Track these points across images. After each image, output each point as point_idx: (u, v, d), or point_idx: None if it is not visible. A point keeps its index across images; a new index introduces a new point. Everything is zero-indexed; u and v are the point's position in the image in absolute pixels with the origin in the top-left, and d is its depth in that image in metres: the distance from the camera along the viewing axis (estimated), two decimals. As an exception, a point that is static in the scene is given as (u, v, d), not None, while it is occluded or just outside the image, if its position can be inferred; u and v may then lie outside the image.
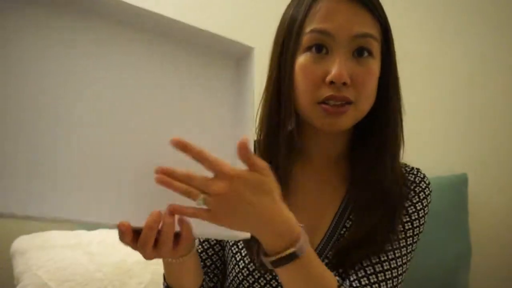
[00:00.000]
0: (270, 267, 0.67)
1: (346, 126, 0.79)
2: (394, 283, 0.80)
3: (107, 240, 1.42)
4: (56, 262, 1.34)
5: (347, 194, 0.84)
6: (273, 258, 0.65)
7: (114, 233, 1.72)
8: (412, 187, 0.85)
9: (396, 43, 1.88)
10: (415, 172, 0.87)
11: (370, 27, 0.78)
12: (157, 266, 1.32)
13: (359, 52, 0.78)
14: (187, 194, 0.59)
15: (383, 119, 0.82)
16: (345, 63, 0.75)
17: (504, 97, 1.82)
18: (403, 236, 0.82)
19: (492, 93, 1.81)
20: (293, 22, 0.79)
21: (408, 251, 0.82)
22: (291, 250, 0.64)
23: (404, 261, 0.81)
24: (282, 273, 0.67)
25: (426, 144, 1.81)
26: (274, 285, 0.81)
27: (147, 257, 0.63)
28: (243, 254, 0.82)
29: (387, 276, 0.79)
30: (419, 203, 0.84)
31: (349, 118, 0.78)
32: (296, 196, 0.82)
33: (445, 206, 1.70)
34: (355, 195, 0.83)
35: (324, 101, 0.76)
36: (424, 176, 0.87)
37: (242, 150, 0.60)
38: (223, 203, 0.59)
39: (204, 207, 0.60)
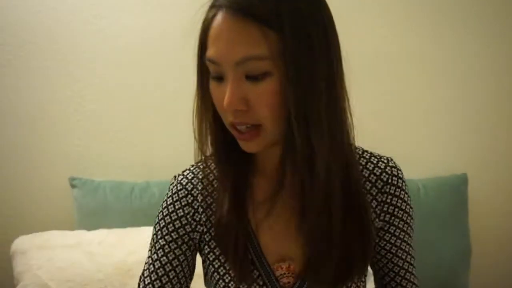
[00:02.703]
0: None
1: (260, 148, 0.74)
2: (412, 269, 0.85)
3: (107, 240, 1.42)
4: (56, 262, 1.34)
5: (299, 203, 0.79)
6: None
7: (114, 233, 1.74)
8: (379, 196, 0.82)
9: (397, 43, 1.89)
10: (382, 166, 0.82)
11: (253, 46, 0.68)
12: None
13: (251, 77, 0.70)
14: None
15: (300, 134, 0.72)
16: (237, 89, 0.69)
17: (504, 97, 1.82)
18: (402, 228, 0.83)
19: (492, 93, 1.81)
20: (199, 47, 0.76)
21: (412, 231, 0.85)
22: None
23: (410, 243, 0.85)
24: None
25: (426, 144, 1.81)
26: None
27: None
28: (232, 275, 0.81)
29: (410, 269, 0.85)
30: (398, 189, 0.82)
31: (260, 141, 0.73)
32: (263, 206, 0.81)
33: (445, 206, 1.70)
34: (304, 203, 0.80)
35: (233, 125, 0.73)
36: (388, 161, 0.83)
37: None
38: None
39: None
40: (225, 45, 0.69)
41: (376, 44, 1.73)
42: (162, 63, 1.75)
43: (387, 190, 0.82)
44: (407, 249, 0.85)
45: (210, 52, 0.71)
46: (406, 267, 0.85)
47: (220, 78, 0.71)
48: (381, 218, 0.83)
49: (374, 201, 0.82)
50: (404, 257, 0.84)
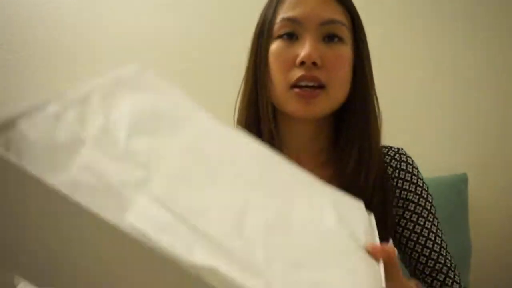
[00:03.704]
0: None
1: (319, 111, 0.79)
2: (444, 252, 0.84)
3: (107, 240, 1.42)
4: (56, 262, 1.33)
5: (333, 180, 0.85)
6: None
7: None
8: (393, 164, 0.86)
9: (397, 42, 1.89)
10: (392, 154, 0.87)
11: (337, 14, 0.80)
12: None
13: (329, 38, 0.79)
14: None
15: (360, 108, 0.82)
16: (315, 46, 0.77)
17: (504, 97, 1.82)
18: (421, 207, 0.84)
19: (492, 93, 1.81)
20: (267, 11, 0.83)
21: (436, 224, 0.85)
22: None
23: (438, 227, 0.85)
24: None
25: (426, 144, 1.81)
26: None
27: None
28: None
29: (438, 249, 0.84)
30: (409, 174, 0.85)
31: (322, 103, 0.78)
32: None
33: (445, 206, 1.70)
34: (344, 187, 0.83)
35: (296, 84, 0.77)
36: (399, 149, 0.88)
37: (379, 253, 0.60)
38: None
39: None
40: (312, 7, 0.78)
41: (376, 44, 1.73)
42: (162, 63, 1.75)
43: (397, 175, 0.85)
44: (430, 236, 0.83)
45: (293, 12, 0.79)
46: (435, 257, 0.83)
47: (291, 36, 0.79)
48: (395, 203, 0.84)
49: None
50: (429, 245, 0.83)
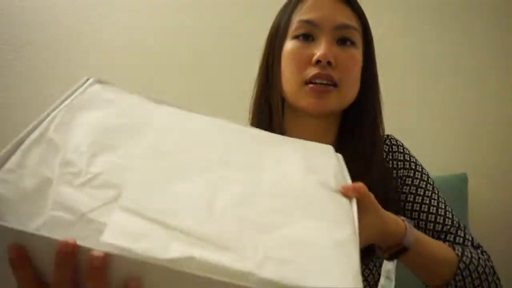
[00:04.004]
0: (387, 260, 0.74)
1: (330, 107, 0.84)
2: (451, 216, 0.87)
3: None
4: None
5: None
6: (387, 255, 0.72)
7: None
8: (386, 149, 0.93)
9: (397, 42, 1.89)
10: (388, 142, 0.95)
11: (351, 20, 0.86)
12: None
13: (342, 41, 0.85)
14: None
15: (364, 110, 0.88)
16: (330, 48, 0.83)
17: (504, 97, 1.82)
18: (418, 181, 0.89)
19: (493, 93, 1.81)
20: (283, 14, 0.88)
21: (436, 191, 0.89)
22: (401, 246, 0.71)
23: (439, 195, 0.89)
24: (402, 260, 0.74)
25: (426, 144, 1.81)
26: None
27: None
28: None
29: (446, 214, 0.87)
30: (401, 154, 0.93)
31: (334, 100, 0.83)
32: None
33: (445, 206, 1.70)
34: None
35: (311, 81, 0.82)
36: (388, 135, 0.96)
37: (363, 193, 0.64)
38: None
39: None
40: (328, 12, 0.84)
41: (376, 43, 1.73)
42: (161, 64, 1.75)
43: (391, 157, 0.92)
44: (432, 202, 0.87)
45: (311, 15, 0.85)
46: (441, 220, 0.85)
47: (308, 37, 0.84)
48: (394, 185, 0.89)
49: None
50: (433, 210, 0.86)
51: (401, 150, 0.94)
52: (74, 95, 0.68)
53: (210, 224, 0.53)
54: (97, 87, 0.71)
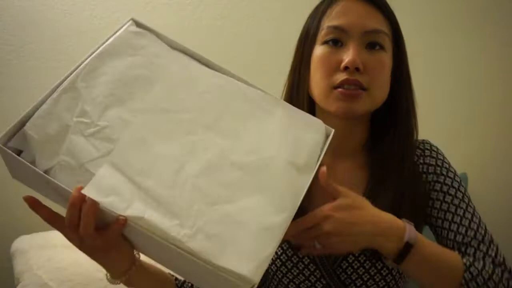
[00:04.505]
0: (395, 266, 0.73)
1: (360, 110, 0.84)
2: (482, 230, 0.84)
3: (107, 240, 1.42)
4: (56, 262, 1.34)
5: (370, 178, 0.89)
6: (393, 256, 0.72)
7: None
8: (418, 153, 0.92)
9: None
10: (422, 146, 0.95)
11: (380, 24, 0.86)
12: (157, 265, 1.32)
13: (371, 45, 0.85)
14: (308, 245, 0.74)
15: (397, 111, 0.90)
16: (359, 53, 0.83)
17: (504, 97, 1.82)
18: (454, 194, 0.87)
19: (492, 93, 1.81)
20: (313, 19, 0.89)
21: (467, 201, 0.88)
22: (404, 241, 0.71)
23: (469, 205, 0.87)
24: (409, 267, 0.72)
25: (426, 144, 1.81)
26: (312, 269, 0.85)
27: (72, 241, 0.68)
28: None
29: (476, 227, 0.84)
30: (433, 159, 0.92)
31: (363, 103, 0.84)
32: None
33: (445, 206, 1.70)
34: (376, 179, 0.88)
35: (339, 86, 0.83)
36: (423, 140, 0.97)
37: (323, 180, 0.69)
38: (334, 237, 0.70)
39: (319, 246, 0.73)
40: (357, 17, 0.84)
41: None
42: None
43: (422, 161, 0.91)
44: (458, 212, 0.85)
45: (339, 21, 0.85)
46: (464, 232, 0.82)
47: (336, 43, 0.85)
48: (423, 189, 0.88)
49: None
50: (457, 220, 0.83)
51: (434, 155, 0.93)
52: (110, 39, 0.73)
53: (170, 190, 0.62)
54: (131, 29, 0.75)
